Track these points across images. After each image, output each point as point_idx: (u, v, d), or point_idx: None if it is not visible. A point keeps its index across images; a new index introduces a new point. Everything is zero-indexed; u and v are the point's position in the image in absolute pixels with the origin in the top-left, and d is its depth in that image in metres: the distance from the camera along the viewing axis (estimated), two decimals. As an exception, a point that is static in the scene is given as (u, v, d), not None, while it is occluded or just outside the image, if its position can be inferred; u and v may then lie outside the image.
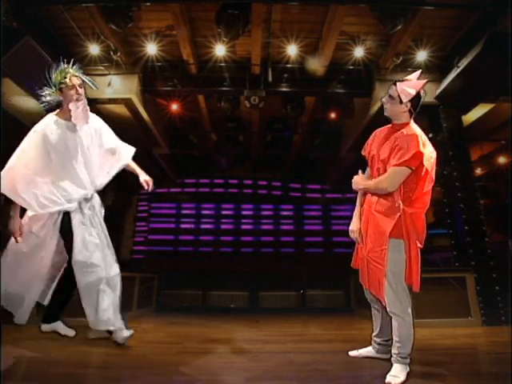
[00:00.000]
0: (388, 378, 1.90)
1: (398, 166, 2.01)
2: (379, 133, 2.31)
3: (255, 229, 9.07)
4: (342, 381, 1.92)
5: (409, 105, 2.11)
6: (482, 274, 4.04)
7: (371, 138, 2.35)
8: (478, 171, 7.73)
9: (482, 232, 4.27)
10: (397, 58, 4.58)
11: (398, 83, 2.11)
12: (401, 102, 2.10)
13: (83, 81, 2.51)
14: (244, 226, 9.07)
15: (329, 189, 9.57)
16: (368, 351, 2.36)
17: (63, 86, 2.45)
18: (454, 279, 3.99)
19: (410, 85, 2.09)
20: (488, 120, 5.55)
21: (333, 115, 6.08)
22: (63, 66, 2.49)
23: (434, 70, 4.79)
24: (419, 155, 1.98)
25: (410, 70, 4.84)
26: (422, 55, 4.64)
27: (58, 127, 2.45)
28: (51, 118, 2.49)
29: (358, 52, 4.65)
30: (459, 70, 4.23)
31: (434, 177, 2.11)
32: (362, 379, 1.92)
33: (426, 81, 2.13)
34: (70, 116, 2.45)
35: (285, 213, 9.38)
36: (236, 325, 3.99)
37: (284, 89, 5.09)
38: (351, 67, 4.87)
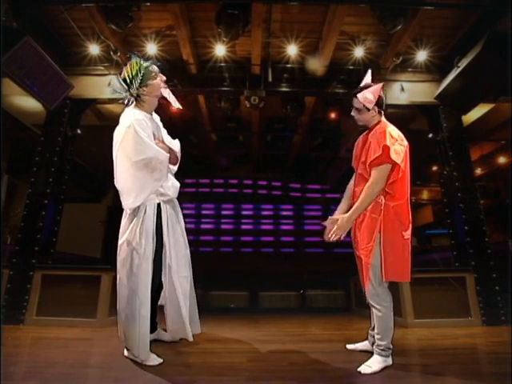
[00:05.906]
0: (361, 367, 2.02)
1: (376, 165, 2.14)
2: (360, 141, 2.44)
3: (255, 229, 9.06)
4: (341, 381, 1.92)
5: (376, 108, 2.28)
6: (482, 274, 4.04)
7: (354, 149, 2.47)
8: (478, 171, 7.75)
9: (482, 232, 4.26)
10: (397, 58, 4.58)
11: (358, 95, 2.27)
12: (368, 109, 2.27)
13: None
14: (244, 226, 9.07)
15: (329, 189, 9.57)
16: (364, 345, 2.49)
17: (151, 79, 2.45)
18: (454, 279, 3.99)
19: (369, 91, 2.24)
20: (488, 120, 5.55)
21: (333, 115, 6.09)
22: (144, 62, 2.44)
23: (433, 70, 4.79)
24: (385, 149, 2.10)
25: (410, 69, 4.87)
26: (421, 55, 4.64)
27: (147, 121, 2.44)
28: (138, 112, 2.38)
29: (358, 52, 4.65)
30: (459, 70, 4.23)
31: (407, 167, 2.21)
32: (362, 379, 1.93)
33: (381, 84, 2.25)
34: (151, 109, 2.52)
35: (285, 213, 9.38)
36: (236, 325, 3.98)
37: (284, 89, 5.08)
38: (351, 67, 4.86)
